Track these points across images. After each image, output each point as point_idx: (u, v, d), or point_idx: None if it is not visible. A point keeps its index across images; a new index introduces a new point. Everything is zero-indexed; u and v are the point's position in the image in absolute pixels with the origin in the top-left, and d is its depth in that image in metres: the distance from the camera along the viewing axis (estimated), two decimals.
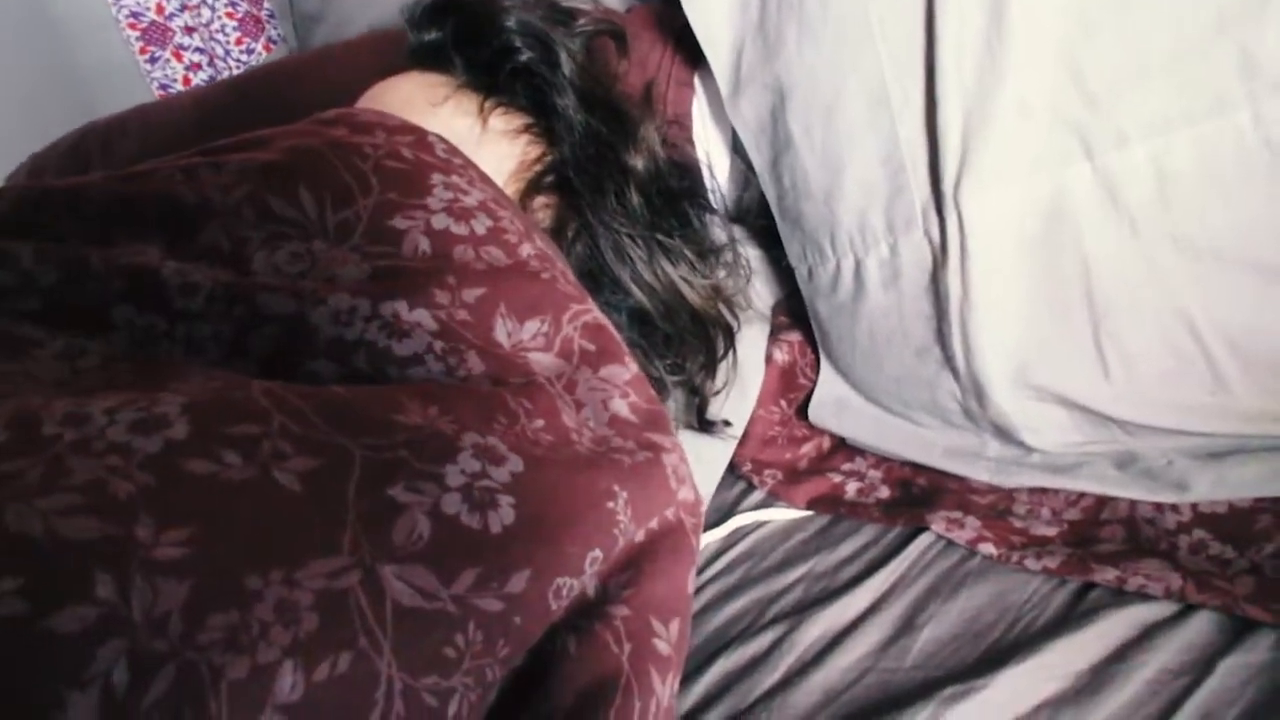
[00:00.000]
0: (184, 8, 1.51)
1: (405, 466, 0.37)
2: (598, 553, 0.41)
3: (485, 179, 0.57)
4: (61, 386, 0.37)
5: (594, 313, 0.53)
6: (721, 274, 0.73)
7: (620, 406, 0.49)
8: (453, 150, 0.56)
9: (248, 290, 0.43)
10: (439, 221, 0.50)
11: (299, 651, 0.30)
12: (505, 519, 0.38)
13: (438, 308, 0.46)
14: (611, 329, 0.53)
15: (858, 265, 0.73)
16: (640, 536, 0.45)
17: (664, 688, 0.42)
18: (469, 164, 0.56)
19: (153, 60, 1.53)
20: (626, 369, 0.51)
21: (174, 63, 1.54)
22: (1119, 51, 0.60)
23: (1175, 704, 0.51)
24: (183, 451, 0.33)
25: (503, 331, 0.48)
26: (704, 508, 0.67)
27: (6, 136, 1.12)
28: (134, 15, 1.50)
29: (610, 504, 0.42)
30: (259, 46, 1.50)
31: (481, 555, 0.36)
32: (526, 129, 0.65)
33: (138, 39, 1.52)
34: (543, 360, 0.48)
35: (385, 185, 0.50)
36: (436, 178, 0.52)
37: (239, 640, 0.29)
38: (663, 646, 0.42)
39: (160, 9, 1.51)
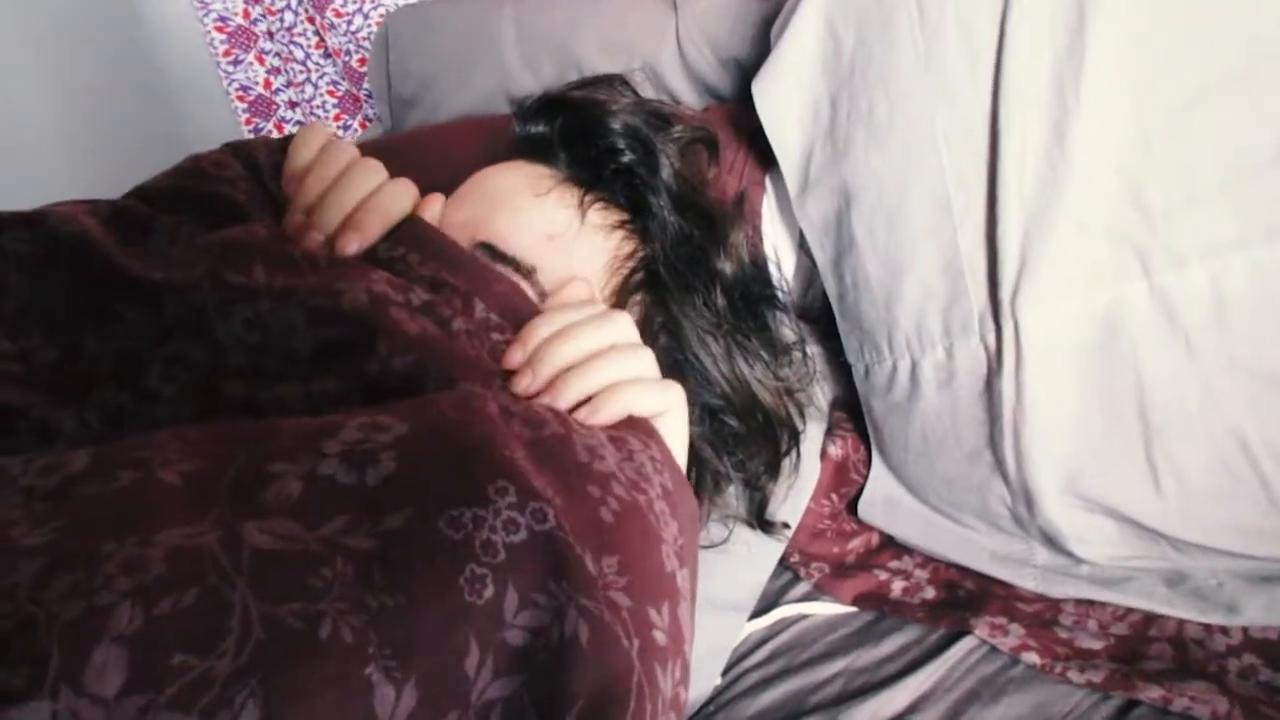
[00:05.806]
0: (289, 84, 1.61)
1: (286, 449, 0.38)
2: (503, 483, 0.39)
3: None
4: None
5: None
6: (788, 372, 0.74)
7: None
8: None
9: (215, 377, 0.46)
10: (378, 287, 0.51)
11: (139, 593, 0.31)
12: (385, 470, 0.38)
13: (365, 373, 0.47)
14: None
15: (913, 366, 0.74)
16: (608, 517, 0.43)
17: (665, 679, 0.41)
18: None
19: (256, 131, 1.63)
20: None
21: (276, 134, 1.64)
22: (1177, 173, 0.62)
23: None
24: (80, 479, 0.35)
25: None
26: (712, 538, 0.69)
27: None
28: (243, 89, 1.61)
29: (507, 452, 0.41)
30: (355, 124, 1.59)
31: (351, 504, 0.36)
32: (621, 224, 0.67)
33: (244, 110, 1.62)
34: None
35: (332, 267, 0.51)
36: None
37: (78, 590, 0.31)
38: (660, 636, 0.41)
39: (268, 84, 1.62)
